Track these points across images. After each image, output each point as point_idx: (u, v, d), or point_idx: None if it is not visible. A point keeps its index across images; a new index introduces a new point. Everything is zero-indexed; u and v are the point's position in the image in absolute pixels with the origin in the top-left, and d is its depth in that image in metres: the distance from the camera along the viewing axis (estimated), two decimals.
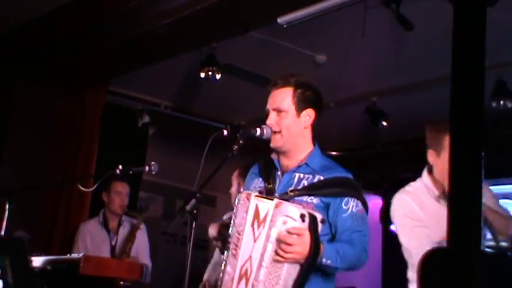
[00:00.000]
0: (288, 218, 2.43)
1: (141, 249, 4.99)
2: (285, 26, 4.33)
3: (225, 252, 2.62)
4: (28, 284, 3.10)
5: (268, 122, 2.74)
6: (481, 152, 0.93)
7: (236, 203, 2.64)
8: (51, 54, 5.32)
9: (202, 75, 5.33)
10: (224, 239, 2.65)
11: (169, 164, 6.25)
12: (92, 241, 4.95)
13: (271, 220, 2.47)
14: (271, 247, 2.46)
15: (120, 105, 6.47)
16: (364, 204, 2.69)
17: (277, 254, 2.44)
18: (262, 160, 2.89)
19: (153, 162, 3.72)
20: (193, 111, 6.87)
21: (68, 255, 3.43)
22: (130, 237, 4.83)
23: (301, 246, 2.41)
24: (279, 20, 4.29)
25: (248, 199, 2.58)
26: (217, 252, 4.39)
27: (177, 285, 4.75)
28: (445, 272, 0.87)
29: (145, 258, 5.00)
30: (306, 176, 2.70)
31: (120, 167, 3.64)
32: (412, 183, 3.07)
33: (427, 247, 2.38)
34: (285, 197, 2.60)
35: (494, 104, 5.43)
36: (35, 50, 5.37)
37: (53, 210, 5.53)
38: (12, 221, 3.62)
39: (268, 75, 6.06)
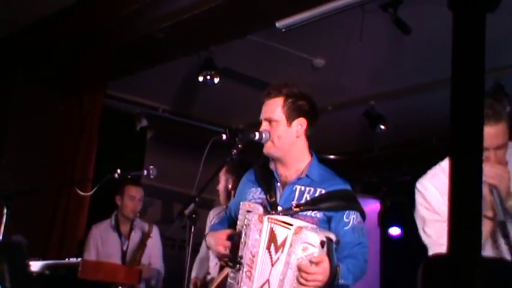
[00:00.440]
0: (308, 244, 2.48)
1: (154, 254, 4.92)
2: (283, 30, 4.34)
3: (237, 269, 2.63)
4: None
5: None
6: (481, 157, 0.93)
7: (246, 222, 2.64)
8: (50, 57, 5.32)
9: (201, 79, 5.33)
10: (232, 257, 2.66)
11: (167, 167, 6.25)
12: (103, 245, 4.90)
13: (291, 246, 2.51)
14: (290, 273, 2.50)
15: (118, 109, 6.47)
16: (363, 215, 2.76)
17: (299, 282, 2.48)
18: (258, 167, 2.91)
19: (151, 166, 3.72)
20: (191, 115, 6.87)
21: (67, 259, 3.42)
22: (141, 246, 4.75)
23: (322, 275, 2.47)
24: (277, 24, 4.30)
25: (261, 221, 2.61)
26: (203, 247, 4.41)
27: None
28: (445, 280, 0.87)
29: (157, 263, 4.95)
30: (308, 188, 2.74)
31: (119, 171, 3.64)
32: (440, 162, 2.75)
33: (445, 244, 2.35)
34: (290, 212, 2.64)
35: None
36: (34, 53, 5.37)
37: (51, 214, 5.52)
38: (9, 225, 3.62)
39: (267, 79, 6.09)
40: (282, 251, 2.54)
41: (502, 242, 2.40)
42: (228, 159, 2.76)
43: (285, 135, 2.74)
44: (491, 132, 2.37)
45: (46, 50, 5.26)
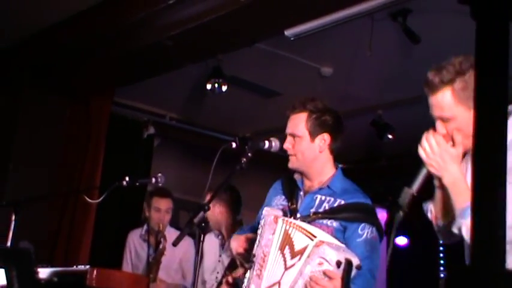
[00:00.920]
0: (325, 260, 2.48)
1: (186, 269, 4.77)
2: (292, 39, 4.34)
3: (248, 267, 2.64)
4: None
5: (284, 145, 2.83)
6: (505, 168, 0.92)
7: (262, 223, 2.67)
8: (57, 64, 5.33)
9: (209, 86, 5.33)
10: (248, 256, 2.68)
11: (174, 175, 6.25)
12: (135, 254, 4.82)
13: (308, 257, 2.51)
14: (301, 283, 2.50)
15: (125, 116, 6.48)
16: (380, 231, 2.76)
17: None
18: (285, 177, 2.96)
19: (159, 174, 3.71)
20: (198, 123, 6.87)
21: (75, 266, 3.41)
22: (155, 262, 4.54)
23: None
24: (286, 33, 4.30)
25: (276, 222, 2.62)
26: None
27: None
28: None
29: (187, 279, 4.76)
30: (328, 198, 2.77)
31: (127, 178, 3.63)
32: None
33: None
34: (308, 219, 2.66)
35: None
36: (42, 59, 5.39)
37: (58, 221, 5.51)
38: (17, 232, 3.61)
39: (274, 88, 6.10)
40: (299, 259, 2.54)
41: None
42: (237, 167, 2.76)
43: (308, 151, 2.80)
44: (431, 102, 2.18)
45: (54, 56, 5.27)
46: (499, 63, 0.93)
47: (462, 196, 2.06)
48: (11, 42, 5.35)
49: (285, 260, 2.57)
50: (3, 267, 3.00)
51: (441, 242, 2.40)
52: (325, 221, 2.69)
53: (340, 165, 2.91)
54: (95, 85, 5.59)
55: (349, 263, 2.47)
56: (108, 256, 5.54)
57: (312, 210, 2.74)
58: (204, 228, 2.59)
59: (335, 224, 2.69)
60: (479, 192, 0.94)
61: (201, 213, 2.61)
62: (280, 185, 2.96)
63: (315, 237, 2.55)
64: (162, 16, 4.50)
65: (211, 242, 4.17)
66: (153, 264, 4.57)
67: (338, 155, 2.93)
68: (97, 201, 3.98)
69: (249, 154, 2.76)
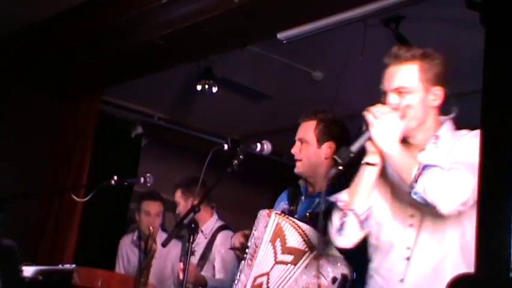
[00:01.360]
0: (321, 275, 2.54)
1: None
2: (284, 42, 4.33)
3: (242, 261, 2.73)
4: None
5: (292, 150, 2.98)
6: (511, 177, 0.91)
7: (257, 218, 2.76)
8: (46, 62, 5.27)
9: (199, 88, 5.32)
10: (244, 249, 2.77)
11: (161, 175, 6.19)
12: (127, 260, 4.77)
13: (305, 267, 2.59)
14: (293, 284, 2.57)
15: (113, 116, 6.43)
16: None
17: None
18: (292, 187, 3.09)
19: (148, 174, 3.69)
20: (187, 124, 6.84)
21: (60, 265, 3.37)
22: (146, 266, 4.34)
23: None
24: (279, 36, 4.29)
25: (269, 215, 2.71)
26: None
27: None
28: None
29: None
30: None
31: (116, 177, 3.60)
32: None
33: None
34: (303, 220, 2.73)
35: None
36: (29, 57, 5.32)
37: (43, 220, 5.45)
38: (1, 229, 3.57)
39: (265, 91, 6.08)
40: (295, 265, 2.60)
41: None
42: (228, 169, 2.76)
43: (314, 156, 2.93)
44: (390, 73, 2.24)
45: (42, 55, 5.22)
46: (509, 69, 0.93)
47: (410, 159, 2.10)
48: None
49: (275, 253, 2.64)
50: None
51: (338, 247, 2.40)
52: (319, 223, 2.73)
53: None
54: (84, 84, 5.54)
55: (344, 277, 2.53)
56: (92, 255, 5.49)
57: (309, 211, 2.82)
58: (195, 229, 2.58)
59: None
60: (485, 207, 0.93)
61: (191, 214, 2.61)
62: (286, 193, 3.09)
63: (307, 236, 2.61)
64: (154, 15, 4.47)
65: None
66: (144, 268, 4.44)
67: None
68: (84, 199, 3.95)
69: (241, 157, 2.77)
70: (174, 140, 7.02)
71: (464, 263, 2.00)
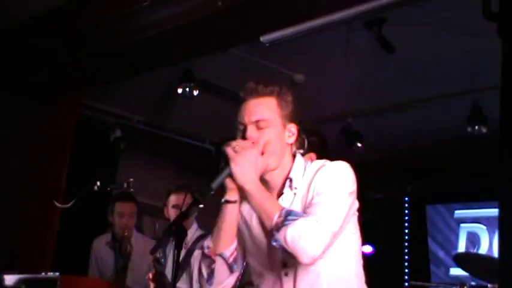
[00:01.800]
0: None
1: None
2: (267, 45, 4.31)
3: None
4: None
5: None
6: None
7: None
8: (25, 63, 5.19)
9: (180, 91, 5.27)
10: None
11: (139, 178, 6.12)
12: (101, 262, 4.68)
13: None
14: None
15: (92, 118, 6.36)
16: None
17: None
18: None
19: (131, 179, 3.65)
20: (166, 127, 6.79)
21: (43, 273, 3.30)
22: (122, 269, 4.24)
23: None
24: (261, 39, 4.27)
25: None
26: None
27: None
28: None
29: None
30: None
31: (98, 183, 3.54)
32: None
33: None
34: None
35: (469, 129, 5.49)
36: (7, 58, 5.23)
37: (20, 225, 5.34)
38: None
39: None
40: None
41: None
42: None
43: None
44: (248, 106, 2.17)
45: (22, 56, 5.14)
46: None
47: (270, 201, 2.06)
48: None
49: None
50: None
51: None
52: None
53: None
54: (63, 86, 5.46)
55: None
56: (70, 261, 5.38)
57: None
58: (182, 238, 2.52)
59: None
60: (507, 224, 0.92)
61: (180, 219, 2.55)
62: None
63: None
64: (135, 18, 4.42)
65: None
66: (121, 270, 4.42)
67: None
68: (66, 206, 3.85)
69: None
70: (153, 143, 6.96)
71: None
